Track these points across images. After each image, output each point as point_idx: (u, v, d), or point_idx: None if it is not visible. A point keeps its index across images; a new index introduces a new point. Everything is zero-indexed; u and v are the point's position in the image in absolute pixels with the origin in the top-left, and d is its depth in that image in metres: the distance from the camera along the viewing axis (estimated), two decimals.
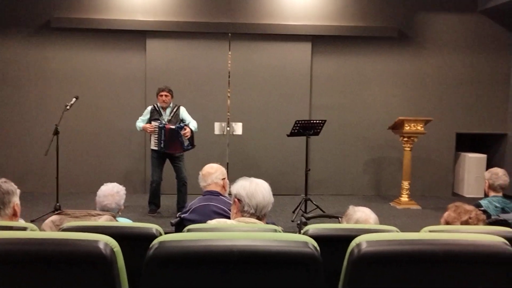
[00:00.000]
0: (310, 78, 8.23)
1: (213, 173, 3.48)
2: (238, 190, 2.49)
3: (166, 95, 6.29)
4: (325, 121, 6.70)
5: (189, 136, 6.15)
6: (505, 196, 4.21)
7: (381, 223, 2.74)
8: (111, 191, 3.19)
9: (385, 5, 8.22)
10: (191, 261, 1.59)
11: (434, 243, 1.57)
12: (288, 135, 6.60)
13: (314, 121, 6.69)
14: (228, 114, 6.64)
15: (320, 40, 8.18)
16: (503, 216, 3.78)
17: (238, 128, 6.84)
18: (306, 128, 6.56)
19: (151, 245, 1.59)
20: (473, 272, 1.59)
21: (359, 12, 8.19)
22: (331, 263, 1.83)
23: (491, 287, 1.60)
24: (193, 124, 6.29)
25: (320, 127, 6.68)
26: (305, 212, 6.38)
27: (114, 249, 1.65)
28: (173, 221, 3.35)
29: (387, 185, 8.39)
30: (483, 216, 2.88)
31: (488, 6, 8.09)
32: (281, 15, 8.08)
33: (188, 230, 2.19)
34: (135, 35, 7.96)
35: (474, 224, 2.71)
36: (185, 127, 6.14)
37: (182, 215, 3.35)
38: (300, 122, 6.49)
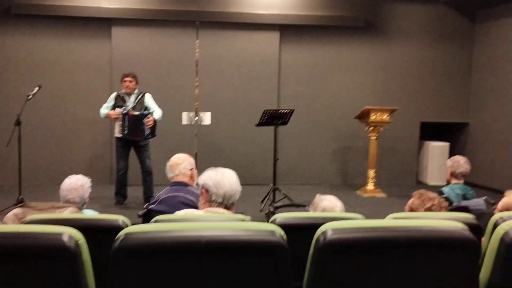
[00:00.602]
0: (279, 68, 8.25)
1: (180, 164, 3.46)
2: (205, 180, 2.49)
3: (130, 81, 6.21)
4: (293, 110, 6.73)
5: (151, 125, 6.09)
6: (466, 183, 4.34)
7: (347, 211, 2.79)
8: (75, 185, 3.11)
9: None
10: (158, 252, 1.58)
11: (397, 230, 1.61)
12: (256, 125, 6.60)
13: (282, 111, 6.72)
14: (196, 103, 6.58)
15: (288, 30, 8.20)
16: (464, 203, 3.91)
17: (206, 117, 6.79)
18: (275, 118, 6.58)
19: (117, 237, 1.57)
20: (434, 256, 1.64)
21: (326, 1, 8.24)
22: (298, 251, 1.86)
23: (451, 271, 1.66)
24: (157, 113, 6.24)
25: (288, 117, 6.71)
26: (274, 201, 6.42)
27: (79, 242, 1.63)
28: (141, 212, 3.32)
29: (354, 173, 8.53)
30: (446, 203, 2.96)
31: None
32: (249, 3, 8.05)
33: (156, 221, 2.18)
34: (100, 23, 7.78)
35: (437, 211, 2.79)
36: (149, 115, 6.07)
37: (150, 206, 3.32)
38: (268, 111, 6.50)
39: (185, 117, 6.66)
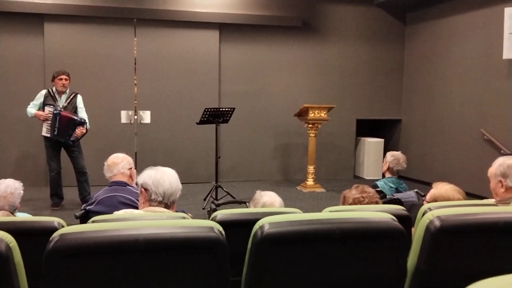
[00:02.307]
0: (219, 66, 8.26)
1: (119, 163, 3.40)
2: (144, 179, 2.47)
3: (66, 79, 6.01)
4: (234, 108, 6.78)
5: (79, 136, 5.94)
6: (398, 177, 4.56)
7: (288, 206, 2.85)
8: (4, 192, 2.96)
9: None
10: (95, 252, 1.56)
11: (330, 222, 1.68)
12: (197, 123, 6.59)
13: (223, 109, 6.74)
14: (135, 102, 6.47)
15: (227, 28, 8.22)
16: (397, 195, 4.10)
17: (146, 116, 6.70)
18: (216, 116, 6.59)
19: (51, 238, 1.53)
20: (366, 246, 1.73)
21: (265, 1, 8.34)
22: (239, 247, 1.89)
23: (381, 259, 1.76)
24: (87, 122, 6.04)
25: (229, 115, 6.75)
26: (216, 199, 6.44)
27: (10, 244, 1.58)
28: (78, 213, 3.23)
29: (294, 170, 8.71)
30: (377, 199, 3.10)
31: None
32: (189, 2, 7.99)
33: (93, 222, 2.14)
34: (32, 18, 7.46)
35: (370, 204, 2.92)
36: (83, 126, 5.92)
37: (87, 207, 3.24)
38: (209, 110, 6.50)
39: (124, 116, 6.54)
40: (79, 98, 6.14)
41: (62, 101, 6.02)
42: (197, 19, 7.98)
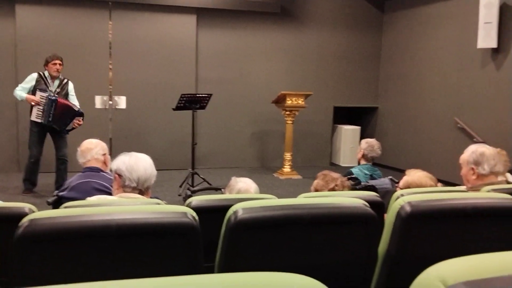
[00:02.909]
0: (196, 51, 8.18)
1: (93, 149, 3.35)
2: (118, 165, 2.45)
3: (60, 64, 5.92)
4: (211, 94, 6.74)
5: (75, 127, 5.91)
6: (373, 164, 4.62)
7: (264, 193, 2.87)
8: None
9: None
10: (67, 238, 1.55)
11: (303, 207, 1.70)
12: (174, 109, 6.53)
13: (200, 95, 6.70)
14: (110, 87, 6.36)
15: (205, 13, 8.14)
16: (371, 182, 4.16)
17: (121, 101, 6.59)
18: (192, 102, 6.54)
19: (20, 224, 1.51)
20: (338, 231, 1.75)
21: None
22: (213, 233, 1.89)
23: (353, 244, 1.79)
24: (80, 110, 5.98)
25: (206, 101, 6.71)
26: (192, 185, 6.43)
27: None
28: (50, 200, 3.19)
29: (271, 157, 8.74)
30: (348, 183, 3.14)
31: None
32: None
33: (65, 208, 2.11)
34: (2, 0, 7.24)
35: (340, 190, 2.95)
36: (81, 118, 5.89)
37: (60, 193, 3.20)
38: (186, 95, 6.45)
39: (99, 101, 6.43)
40: (71, 85, 6.08)
41: (54, 86, 5.91)
42: (174, 3, 7.87)
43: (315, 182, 3.06)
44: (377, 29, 9.14)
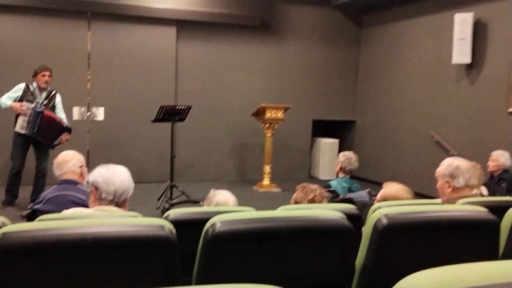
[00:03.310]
0: (176, 63, 8.18)
1: (69, 161, 3.30)
2: (95, 177, 2.42)
3: (49, 75, 5.87)
4: (190, 106, 6.73)
5: (62, 142, 5.87)
6: (351, 177, 4.66)
7: (243, 205, 2.86)
8: None
9: None
10: (41, 251, 1.52)
11: (281, 220, 1.70)
12: (153, 121, 6.50)
13: (180, 107, 6.68)
14: (88, 98, 6.30)
15: (185, 25, 8.15)
16: (349, 195, 4.20)
17: (99, 113, 6.52)
18: (172, 114, 6.52)
19: None
20: (315, 243, 1.76)
21: None
22: (191, 246, 1.88)
23: (331, 256, 1.79)
24: (65, 120, 5.93)
25: (185, 113, 6.69)
26: (171, 198, 6.37)
27: None
28: (25, 213, 3.12)
29: (250, 169, 8.74)
30: (327, 194, 3.16)
31: (340, 1, 8.80)
32: None
33: (40, 221, 2.08)
34: None
35: (319, 202, 2.97)
36: (68, 133, 5.85)
37: (35, 206, 3.13)
38: (165, 107, 6.42)
39: (76, 112, 6.35)
40: (59, 98, 6.04)
41: (42, 98, 5.85)
42: (154, 14, 7.87)
43: (295, 194, 3.07)
44: (355, 44, 9.28)
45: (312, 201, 2.91)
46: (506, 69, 6.38)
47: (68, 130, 5.85)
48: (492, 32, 6.62)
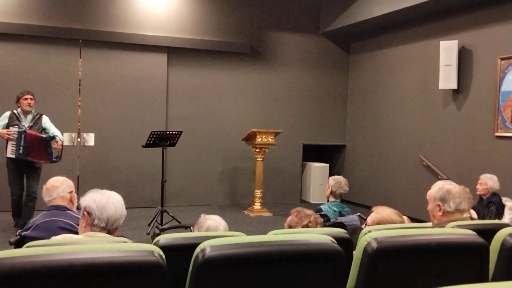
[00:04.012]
0: (167, 89, 8.23)
1: (59, 186, 3.28)
2: (88, 202, 2.38)
3: (31, 98, 5.93)
4: (181, 132, 6.74)
5: (60, 149, 5.81)
6: (342, 201, 4.67)
7: (234, 230, 2.85)
8: None
9: (238, 22, 8.60)
10: (28, 278, 1.50)
11: (271, 244, 1.70)
12: (143, 146, 6.50)
13: (170, 132, 6.69)
14: (79, 124, 6.30)
15: (176, 52, 8.23)
16: (340, 219, 4.20)
17: (90, 139, 6.54)
18: (162, 139, 6.53)
19: None
20: (306, 268, 1.76)
21: (213, 27, 8.44)
22: (182, 272, 1.87)
23: (321, 281, 1.79)
24: (60, 137, 6.00)
25: (176, 138, 6.70)
26: (161, 224, 6.32)
27: None
28: (12, 239, 3.08)
29: (241, 194, 8.72)
30: (321, 220, 3.17)
31: (328, 29, 8.96)
32: (136, 24, 7.96)
33: (28, 247, 2.05)
34: None
35: (314, 227, 2.97)
36: (56, 139, 5.84)
37: (23, 233, 3.09)
38: (155, 133, 6.44)
39: (67, 138, 6.36)
40: (45, 119, 6.07)
41: (27, 121, 5.90)
42: (145, 42, 7.95)
43: (289, 218, 3.07)
44: (343, 70, 9.42)
45: (306, 226, 2.91)
46: (492, 94, 6.50)
47: (51, 139, 5.84)
48: (477, 58, 6.77)
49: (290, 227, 3.01)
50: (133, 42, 7.89)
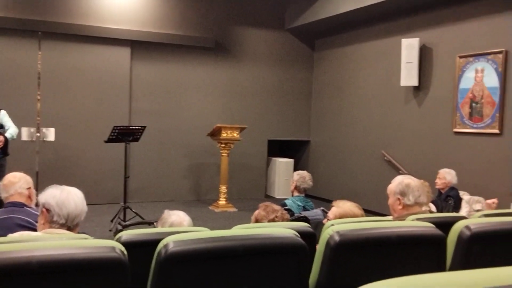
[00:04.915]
0: (130, 83, 8.09)
1: (16, 183, 3.18)
2: (47, 199, 2.32)
3: None
4: (144, 127, 6.65)
5: (1, 146, 5.56)
6: (306, 195, 4.72)
7: (199, 226, 2.83)
8: None
9: (203, 16, 8.54)
10: None
11: (234, 239, 1.70)
12: (106, 141, 6.37)
13: (134, 127, 6.59)
14: (38, 118, 6.12)
15: (139, 46, 8.10)
16: (304, 213, 4.24)
17: (50, 133, 6.35)
18: (125, 134, 6.42)
19: None
20: (269, 261, 1.77)
21: (178, 21, 8.35)
22: (145, 268, 1.84)
23: (284, 274, 1.80)
24: (10, 132, 5.73)
25: (139, 133, 6.60)
26: (124, 220, 6.23)
27: None
28: None
29: (206, 189, 8.68)
30: (287, 216, 3.19)
31: (293, 25, 9.01)
32: (99, 17, 7.78)
33: None
34: None
35: (280, 222, 2.99)
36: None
37: None
38: (118, 128, 6.32)
39: (25, 133, 6.16)
40: (2, 113, 5.79)
41: None
42: (108, 35, 7.78)
43: (256, 212, 3.08)
44: (308, 66, 9.50)
45: (272, 221, 2.93)
46: (451, 91, 6.69)
47: None
48: (437, 56, 6.95)
49: (257, 220, 3.02)
50: (95, 35, 7.71)
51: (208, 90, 8.69)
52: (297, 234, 1.88)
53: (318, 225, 3.78)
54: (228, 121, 8.37)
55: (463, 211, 5.30)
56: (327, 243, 1.88)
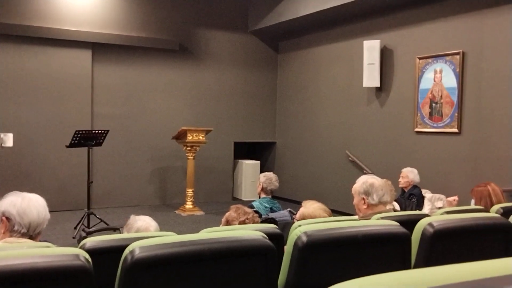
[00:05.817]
0: (91, 87, 7.92)
1: None
2: (7, 207, 2.23)
3: None
4: (107, 131, 6.52)
5: None
6: (273, 197, 4.73)
7: (166, 230, 2.79)
8: None
9: (166, 18, 8.46)
10: None
11: (202, 243, 1.68)
12: (67, 146, 6.21)
13: (96, 131, 6.46)
14: None
15: (101, 48, 7.95)
16: (272, 215, 4.25)
17: (8, 139, 6.16)
18: (88, 139, 6.28)
19: None
20: (238, 264, 1.76)
21: (141, 22, 8.24)
22: (111, 276, 1.80)
23: (253, 276, 1.80)
24: None
25: (102, 138, 6.47)
26: (88, 226, 6.08)
27: None
28: None
29: (172, 193, 8.59)
30: (258, 219, 3.20)
31: (256, 27, 9.04)
32: (58, 18, 7.59)
33: None
34: None
35: (251, 224, 2.99)
36: None
37: None
38: (80, 132, 6.18)
39: None
40: None
41: None
42: (68, 37, 7.60)
43: (228, 213, 3.07)
44: (272, 68, 9.55)
45: (243, 223, 2.92)
46: (411, 92, 6.86)
47: None
48: (397, 57, 7.12)
49: (228, 222, 3.01)
50: (55, 37, 7.51)
51: (173, 93, 8.61)
52: (265, 236, 1.88)
53: (285, 226, 3.80)
54: (194, 123, 8.31)
55: (425, 209, 5.43)
56: (295, 244, 1.89)
